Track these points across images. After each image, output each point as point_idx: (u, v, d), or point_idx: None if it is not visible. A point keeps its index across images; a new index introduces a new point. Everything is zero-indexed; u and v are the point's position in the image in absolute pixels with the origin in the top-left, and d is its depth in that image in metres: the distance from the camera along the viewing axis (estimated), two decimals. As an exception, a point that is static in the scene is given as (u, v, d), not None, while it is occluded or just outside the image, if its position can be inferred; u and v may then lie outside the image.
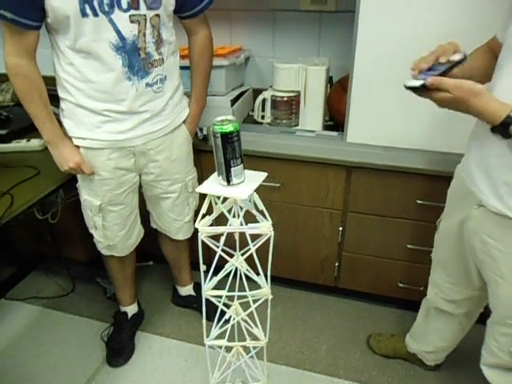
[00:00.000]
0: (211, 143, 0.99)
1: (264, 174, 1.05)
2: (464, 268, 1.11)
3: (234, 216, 1.06)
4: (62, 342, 1.75)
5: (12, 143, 1.60)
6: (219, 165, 0.99)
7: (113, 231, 1.47)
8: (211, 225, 1.05)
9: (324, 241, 1.74)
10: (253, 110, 1.78)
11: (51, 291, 2.02)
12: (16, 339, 1.77)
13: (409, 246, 1.62)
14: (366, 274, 1.77)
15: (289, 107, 1.66)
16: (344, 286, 1.85)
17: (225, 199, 1.08)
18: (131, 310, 1.76)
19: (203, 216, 1.04)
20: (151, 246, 1.82)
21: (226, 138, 0.95)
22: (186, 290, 1.86)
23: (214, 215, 1.08)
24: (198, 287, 1.87)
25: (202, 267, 1.10)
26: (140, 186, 1.50)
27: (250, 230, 1.02)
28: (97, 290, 1.98)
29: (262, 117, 1.74)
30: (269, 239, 1.06)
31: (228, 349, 1.38)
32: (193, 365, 1.64)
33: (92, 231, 1.50)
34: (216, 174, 1.04)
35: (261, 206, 1.04)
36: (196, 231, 1.05)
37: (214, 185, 1.02)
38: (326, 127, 1.71)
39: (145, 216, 1.62)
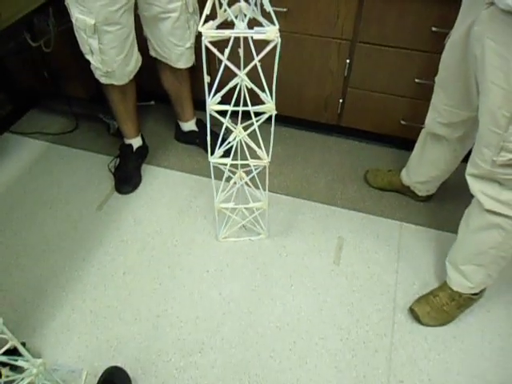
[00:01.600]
0: None
1: (272, -28, 0.96)
2: (464, 86, 1.10)
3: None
4: (71, 173, 1.82)
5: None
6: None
7: (110, 55, 1.41)
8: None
9: (330, 75, 1.69)
10: None
11: (55, 128, 2.03)
12: (26, 170, 1.83)
13: (417, 80, 1.58)
14: (369, 111, 1.76)
15: None
16: (346, 125, 1.86)
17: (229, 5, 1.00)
18: (136, 142, 1.80)
19: (206, 19, 0.97)
20: (152, 85, 1.78)
21: None
22: (189, 126, 1.87)
23: (219, 20, 1.02)
24: (200, 123, 1.88)
25: (206, 78, 1.07)
26: (136, 8, 1.40)
27: (256, 34, 0.96)
28: (100, 126, 1.99)
29: None
30: (275, 48, 1.01)
31: (233, 174, 1.45)
32: (197, 193, 1.74)
33: (88, 57, 1.43)
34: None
35: (268, 8, 0.97)
36: (199, 36, 0.99)
37: (217, -19, 0.94)
38: None
39: (143, 47, 1.54)
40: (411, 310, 1.36)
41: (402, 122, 1.74)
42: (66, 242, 1.57)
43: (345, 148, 1.94)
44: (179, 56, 1.54)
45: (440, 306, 1.34)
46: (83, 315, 1.37)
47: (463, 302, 1.34)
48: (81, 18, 1.31)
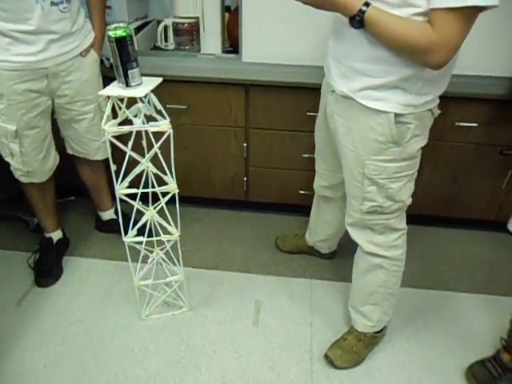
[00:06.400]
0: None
1: (159, 79, 1.19)
2: (334, 153, 1.36)
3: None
4: (-12, 274, 1.81)
5: None
6: (117, 68, 1.11)
7: (31, 156, 1.53)
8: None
9: (232, 158, 1.93)
10: (158, 40, 1.87)
11: (-29, 232, 2.03)
12: None
13: (304, 155, 1.87)
14: (271, 185, 2.01)
15: (190, 33, 1.78)
16: (254, 199, 2.08)
17: (129, 107, 1.21)
18: (56, 235, 1.85)
19: (109, 119, 1.16)
20: (72, 181, 1.90)
21: (120, 42, 1.07)
22: (108, 215, 1.98)
23: (120, 119, 1.21)
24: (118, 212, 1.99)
25: (113, 167, 1.24)
26: (52, 112, 1.56)
27: (151, 127, 1.16)
28: (19, 224, 2.03)
29: (166, 45, 1.84)
30: (169, 137, 1.21)
31: (149, 253, 1.56)
32: (119, 278, 1.80)
33: (8, 159, 1.54)
34: (116, 80, 1.16)
35: (159, 106, 1.18)
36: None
37: (115, 88, 1.15)
38: (227, 52, 1.85)
39: (61, 146, 1.69)
40: (326, 356, 1.48)
41: (301, 192, 1.99)
42: (-19, 343, 1.53)
43: (255, 220, 2.14)
44: (96, 150, 1.70)
45: (350, 348, 1.48)
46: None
47: (369, 341, 1.49)
48: (2, 125, 1.44)
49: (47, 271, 1.77)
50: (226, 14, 1.85)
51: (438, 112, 1.14)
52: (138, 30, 1.82)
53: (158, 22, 1.95)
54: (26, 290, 1.74)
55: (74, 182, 1.89)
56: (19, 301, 1.69)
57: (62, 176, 1.72)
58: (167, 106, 1.73)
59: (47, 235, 1.84)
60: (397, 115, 1.08)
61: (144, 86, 1.14)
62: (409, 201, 1.26)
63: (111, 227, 1.99)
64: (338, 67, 1.15)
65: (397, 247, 1.33)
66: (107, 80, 1.66)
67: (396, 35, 0.95)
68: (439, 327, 1.63)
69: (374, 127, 1.12)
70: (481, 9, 0.88)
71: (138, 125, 1.16)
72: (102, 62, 1.65)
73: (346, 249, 1.87)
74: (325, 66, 1.25)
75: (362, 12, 0.96)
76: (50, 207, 1.78)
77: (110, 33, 1.06)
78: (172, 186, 1.30)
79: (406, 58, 0.99)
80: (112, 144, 1.21)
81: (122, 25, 1.08)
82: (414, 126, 1.10)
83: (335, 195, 1.58)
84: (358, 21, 0.97)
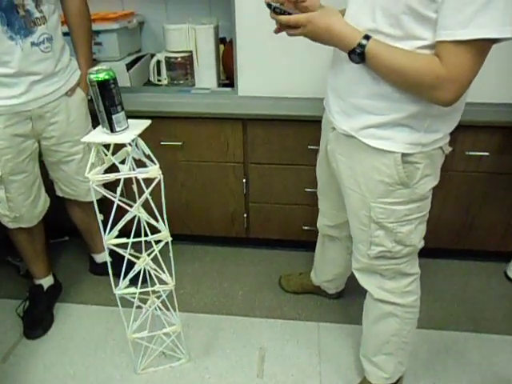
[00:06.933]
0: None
1: (148, 122, 1.12)
2: (338, 192, 1.26)
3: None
4: (-25, 325, 1.71)
5: None
6: (100, 113, 1.04)
7: (18, 202, 1.45)
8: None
9: (231, 194, 1.84)
10: (152, 75, 1.81)
11: (-41, 278, 1.94)
12: None
13: (307, 189, 1.77)
14: (273, 221, 1.91)
15: (184, 67, 1.72)
16: (255, 236, 1.98)
17: (117, 151, 1.13)
18: (46, 282, 1.75)
19: (94, 166, 1.08)
20: (65, 221, 1.81)
21: (103, 85, 0.99)
22: (102, 257, 1.88)
23: (105, 166, 1.13)
24: (112, 252, 1.89)
25: (99, 216, 1.15)
26: (40, 155, 1.49)
27: (139, 174, 1.08)
28: (8, 269, 1.94)
29: (159, 80, 1.78)
30: (160, 183, 1.12)
31: (144, 302, 1.45)
32: (114, 325, 1.69)
33: (-7, 205, 1.47)
34: (100, 125, 1.08)
35: (147, 151, 1.10)
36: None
37: (99, 134, 1.07)
38: (224, 85, 1.79)
39: (51, 187, 1.62)
40: (336, 414, 1.36)
41: (304, 227, 1.89)
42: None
43: (257, 258, 2.03)
44: (87, 191, 1.61)
45: (363, 404, 1.35)
46: None
47: (384, 396, 1.37)
48: None
49: (36, 321, 1.66)
50: (221, 46, 1.80)
51: (449, 149, 1.05)
52: (130, 65, 1.76)
53: (152, 56, 1.90)
54: (14, 341, 1.63)
55: (67, 222, 1.80)
56: (6, 355, 1.58)
57: (55, 215, 1.63)
58: (161, 142, 1.68)
59: (37, 282, 1.74)
60: (404, 155, 0.99)
61: (130, 131, 1.06)
62: (420, 244, 1.16)
63: (106, 270, 1.86)
64: (338, 104, 1.06)
65: (410, 293, 1.22)
66: (96, 117, 1.60)
67: (400, 70, 0.87)
68: (461, 374, 1.49)
69: (379, 168, 1.02)
70: (494, 41, 0.80)
71: (126, 171, 1.08)
72: (91, 99, 1.58)
73: (353, 287, 1.74)
74: (325, 101, 1.17)
75: (361, 46, 0.88)
76: (39, 252, 1.69)
77: (92, 76, 0.98)
78: (165, 234, 1.21)
79: (412, 94, 0.91)
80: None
81: (104, 67, 1.01)
82: (424, 165, 1.01)
83: (341, 234, 1.48)
84: (358, 54, 0.89)
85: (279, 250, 2.07)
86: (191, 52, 1.69)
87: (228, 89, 1.67)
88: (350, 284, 1.74)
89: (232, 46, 1.69)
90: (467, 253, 1.95)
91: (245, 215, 1.90)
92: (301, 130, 1.64)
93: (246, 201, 1.86)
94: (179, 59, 1.69)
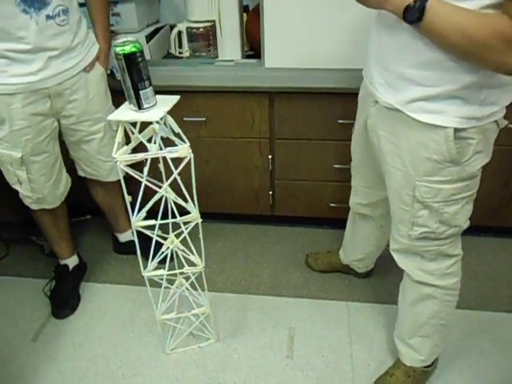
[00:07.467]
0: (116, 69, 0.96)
1: (177, 97, 1.05)
2: (374, 169, 1.19)
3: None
4: (2, 304, 1.71)
5: None
6: (127, 89, 0.97)
7: (40, 183, 1.42)
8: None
9: (256, 171, 1.78)
10: (171, 47, 1.73)
11: (-16, 258, 1.94)
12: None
13: (335, 166, 1.70)
14: (299, 198, 1.85)
15: (206, 38, 1.63)
16: (280, 213, 1.92)
17: (143, 129, 1.07)
18: (71, 261, 1.74)
19: (121, 145, 1.03)
20: (87, 200, 1.78)
21: (130, 58, 0.93)
22: (126, 236, 1.86)
23: (132, 145, 1.07)
24: (137, 232, 1.87)
25: (127, 198, 1.10)
26: (60, 134, 1.44)
27: (168, 153, 1.02)
28: (34, 248, 1.93)
29: (180, 52, 1.69)
30: (190, 162, 1.07)
31: (171, 282, 1.43)
32: (141, 305, 1.68)
33: (16, 187, 1.43)
34: (127, 102, 1.02)
35: (177, 129, 1.04)
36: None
37: (125, 111, 1.01)
38: (247, 57, 1.70)
39: (72, 167, 1.57)
40: (371, 395, 1.33)
41: (332, 205, 1.83)
42: (-4, 384, 1.43)
43: (283, 235, 1.98)
44: (109, 171, 1.57)
45: (398, 386, 1.32)
46: None
47: (419, 377, 1.33)
48: (6, 153, 1.31)
49: (64, 301, 1.66)
50: (244, 15, 1.69)
51: (504, 123, 0.96)
52: (149, 37, 1.68)
53: (171, 27, 1.80)
54: (42, 321, 1.63)
55: (89, 200, 1.77)
56: (36, 334, 1.58)
57: (77, 194, 1.59)
58: (184, 119, 1.61)
59: (62, 262, 1.73)
60: (456, 130, 0.91)
61: (159, 108, 1.00)
62: (466, 224, 1.09)
63: (130, 249, 1.85)
64: (382, 75, 0.98)
65: (451, 275, 1.16)
66: (117, 94, 1.53)
67: (465, 30, 0.75)
68: (497, 356, 1.45)
69: (427, 144, 0.95)
70: None
71: (154, 151, 1.02)
72: (111, 74, 1.52)
73: (383, 266, 1.71)
74: (365, 72, 1.09)
75: (421, 0, 0.77)
76: (63, 232, 1.67)
77: (118, 49, 0.91)
78: (194, 215, 1.16)
79: (472, 62, 0.81)
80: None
81: (130, 38, 0.94)
82: (477, 141, 0.93)
83: (374, 213, 1.42)
84: (417, 8, 0.77)
85: (305, 227, 2.01)
86: (214, 22, 1.59)
87: (254, 60, 1.59)
88: (379, 262, 1.69)
89: (256, 14, 1.60)
90: (503, 230, 1.87)
91: (270, 192, 1.84)
92: (331, 103, 1.55)
93: (272, 177, 1.80)
94: (201, 29, 1.60)
